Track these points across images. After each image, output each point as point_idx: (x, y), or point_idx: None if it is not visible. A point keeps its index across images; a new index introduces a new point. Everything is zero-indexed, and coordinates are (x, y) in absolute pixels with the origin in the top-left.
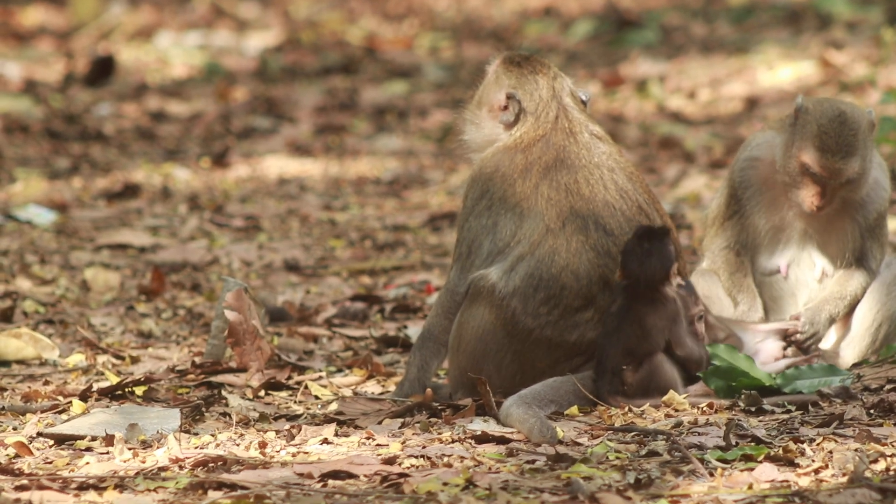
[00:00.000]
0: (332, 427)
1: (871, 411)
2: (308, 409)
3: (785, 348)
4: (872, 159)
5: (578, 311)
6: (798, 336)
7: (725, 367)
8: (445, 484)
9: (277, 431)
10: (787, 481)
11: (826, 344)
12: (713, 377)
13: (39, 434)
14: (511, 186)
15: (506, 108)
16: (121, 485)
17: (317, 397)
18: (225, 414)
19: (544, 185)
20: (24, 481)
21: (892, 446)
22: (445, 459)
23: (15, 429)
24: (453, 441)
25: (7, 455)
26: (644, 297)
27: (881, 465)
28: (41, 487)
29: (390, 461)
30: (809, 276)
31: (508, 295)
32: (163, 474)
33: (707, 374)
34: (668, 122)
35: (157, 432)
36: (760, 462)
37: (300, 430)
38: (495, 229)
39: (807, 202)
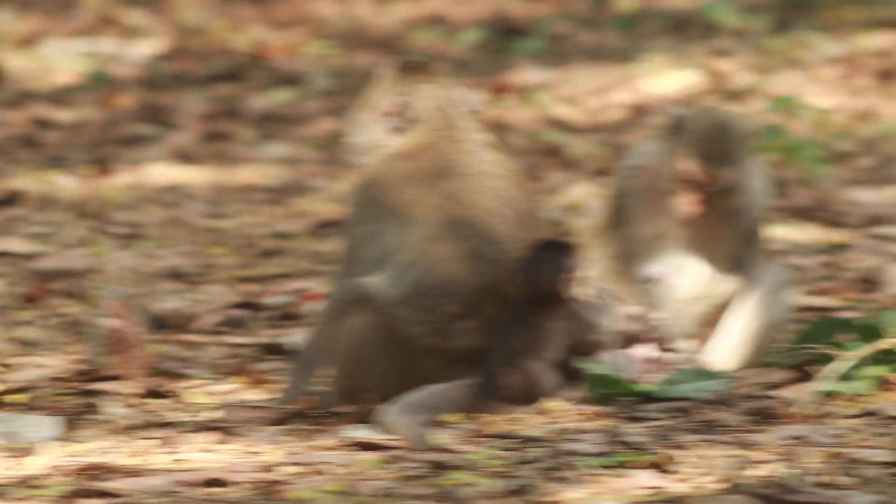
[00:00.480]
0: (213, 434)
1: (748, 417)
2: (189, 416)
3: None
4: (752, 167)
5: (461, 319)
6: (657, 326)
7: (606, 376)
8: (325, 491)
9: (158, 439)
10: (664, 488)
11: (706, 350)
12: (596, 386)
13: None
14: (397, 193)
15: (394, 114)
16: None
17: (198, 405)
18: (106, 421)
19: (430, 192)
20: None
21: (768, 452)
22: (326, 467)
23: None
24: (334, 448)
25: None
26: (541, 304)
27: (758, 471)
28: None
29: (270, 468)
30: (691, 284)
31: (392, 303)
32: (41, 482)
33: (589, 382)
34: (553, 130)
35: (37, 440)
36: (638, 468)
37: (181, 437)
38: (380, 236)
39: (686, 209)
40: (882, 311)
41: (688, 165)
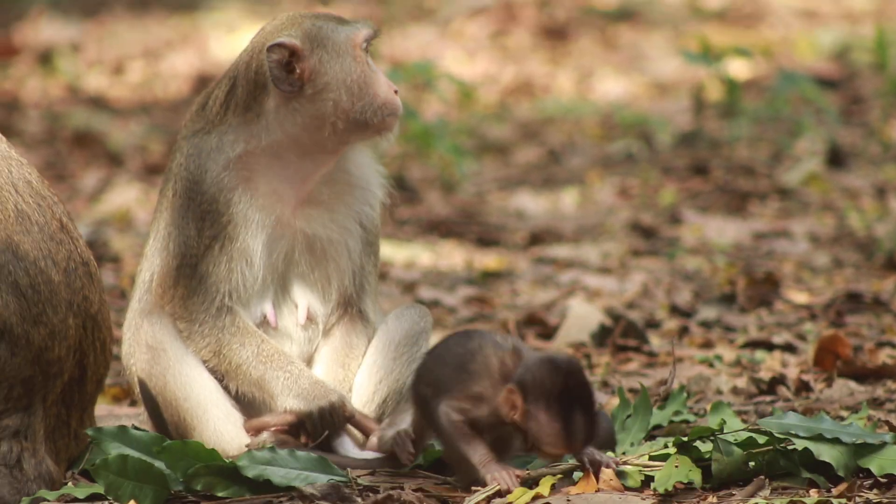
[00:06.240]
0: None
1: None
2: None
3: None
4: None
5: None
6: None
7: (121, 458)
8: None
9: None
10: None
11: None
12: (104, 471)
13: None
14: None
15: None
16: None
17: None
18: None
19: None
20: None
21: None
22: None
23: None
24: None
25: None
26: None
27: None
28: None
29: None
30: (291, 322)
31: None
32: None
33: (97, 467)
34: (85, 108)
35: None
36: None
37: None
38: None
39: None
40: None
41: None
